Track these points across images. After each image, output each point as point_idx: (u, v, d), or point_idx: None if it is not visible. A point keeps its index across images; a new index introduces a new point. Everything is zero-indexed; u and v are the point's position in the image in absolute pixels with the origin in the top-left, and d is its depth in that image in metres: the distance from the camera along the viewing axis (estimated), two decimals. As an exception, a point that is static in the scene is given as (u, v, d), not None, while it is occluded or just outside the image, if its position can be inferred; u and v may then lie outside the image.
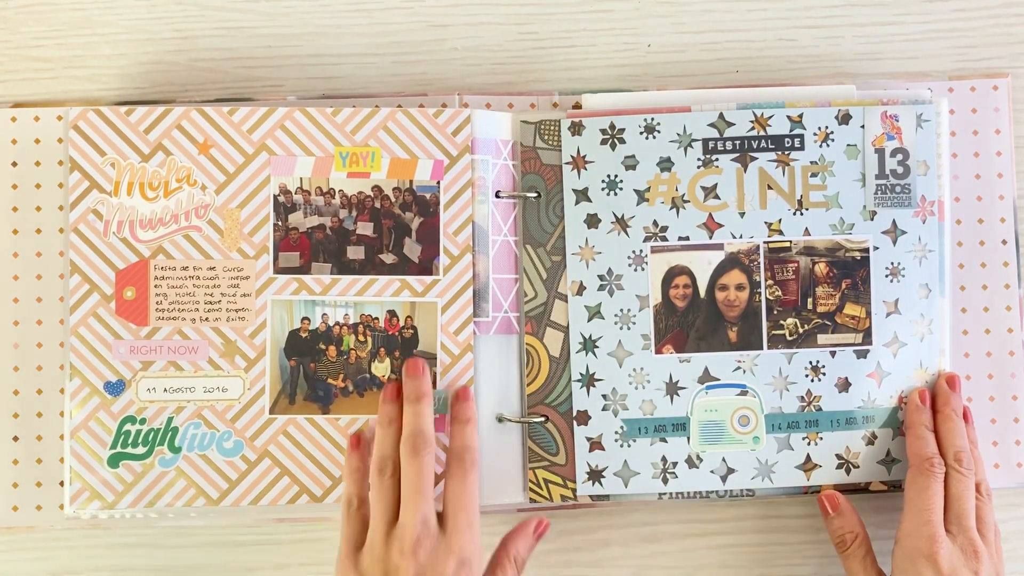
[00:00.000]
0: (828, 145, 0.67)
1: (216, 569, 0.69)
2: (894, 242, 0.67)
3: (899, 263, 0.67)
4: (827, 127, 0.67)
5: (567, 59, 0.72)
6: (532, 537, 0.64)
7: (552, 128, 0.68)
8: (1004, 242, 0.70)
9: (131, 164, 0.66)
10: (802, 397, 0.67)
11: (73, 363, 0.65)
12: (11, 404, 0.68)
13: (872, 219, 0.67)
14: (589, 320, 0.67)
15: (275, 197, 0.66)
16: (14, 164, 0.69)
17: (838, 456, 0.67)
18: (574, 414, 0.67)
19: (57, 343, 0.68)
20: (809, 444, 0.67)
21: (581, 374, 0.67)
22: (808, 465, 0.67)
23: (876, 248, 0.67)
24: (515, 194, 0.68)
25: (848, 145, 0.67)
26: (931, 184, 0.67)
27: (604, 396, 0.67)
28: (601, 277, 0.67)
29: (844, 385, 0.67)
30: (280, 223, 0.66)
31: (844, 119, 0.67)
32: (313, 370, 0.66)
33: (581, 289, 0.67)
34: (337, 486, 0.65)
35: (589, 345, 0.67)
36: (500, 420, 0.67)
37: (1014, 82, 0.71)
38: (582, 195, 0.67)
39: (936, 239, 0.67)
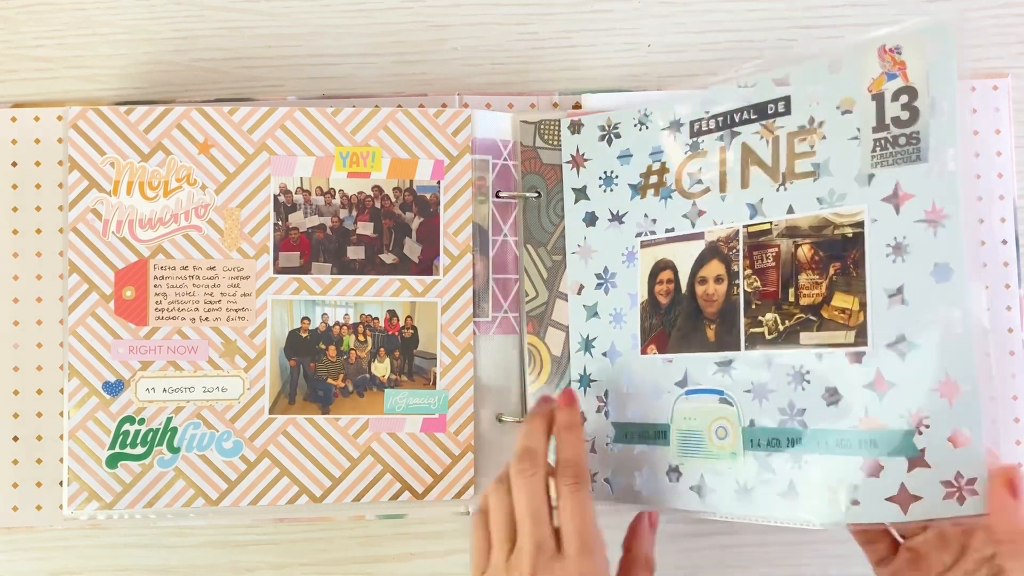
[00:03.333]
0: (818, 103, 0.57)
1: (216, 569, 0.69)
2: (897, 210, 0.53)
3: (904, 237, 0.53)
4: (816, 81, 0.57)
5: (567, 59, 0.72)
6: (651, 532, 0.60)
7: (552, 128, 0.68)
8: (1004, 242, 0.70)
9: (131, 163, 0.66)
10: (783, 409, 0.56)
11: (72, 363, 0.65)
12: (11, 404, 0.68)
13: (869, 183, 0.54)
14: (587, 320, 0.66)
15: (275, 197, 0.66)
16: (14, 164, 0.69)
17: (830, 488, 0.54)
18: None
19: (57, 343, 0.68)
20: (793, 468, 0.56)
21: (580, 375, 0.66)
22: (792, 495, 0.56)
23: (874, 220, 0.54)
24: (515, 194, 0.68)
25: (842, 98, 0.56)
26: (948, 129, 0.52)
27: (598, 398, 0.65)
28: (598, 276, 0.66)
29: (833, 397, 0.55)
30: (280, 223, 0.66)
31: (835, 66, 0.56)
32: (313, 370, 0.66)
33: (580, 288, 0.67)
34: (337, 486, 0.65)
35: (587, 345, 0.66)
36: (500, 420, 0.67)
37: (1014, 82, 0.71)
38: (581, 193, 0.67)
39: (954, 202, 0.52)
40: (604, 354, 0.66)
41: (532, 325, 0.67)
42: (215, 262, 0.66)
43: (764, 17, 0.73)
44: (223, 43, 0.72)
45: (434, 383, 0.66)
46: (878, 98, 0.55)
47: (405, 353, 0.66)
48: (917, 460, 0.52)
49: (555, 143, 0.68)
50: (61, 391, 0.67)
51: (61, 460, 0.67)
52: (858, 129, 0.55)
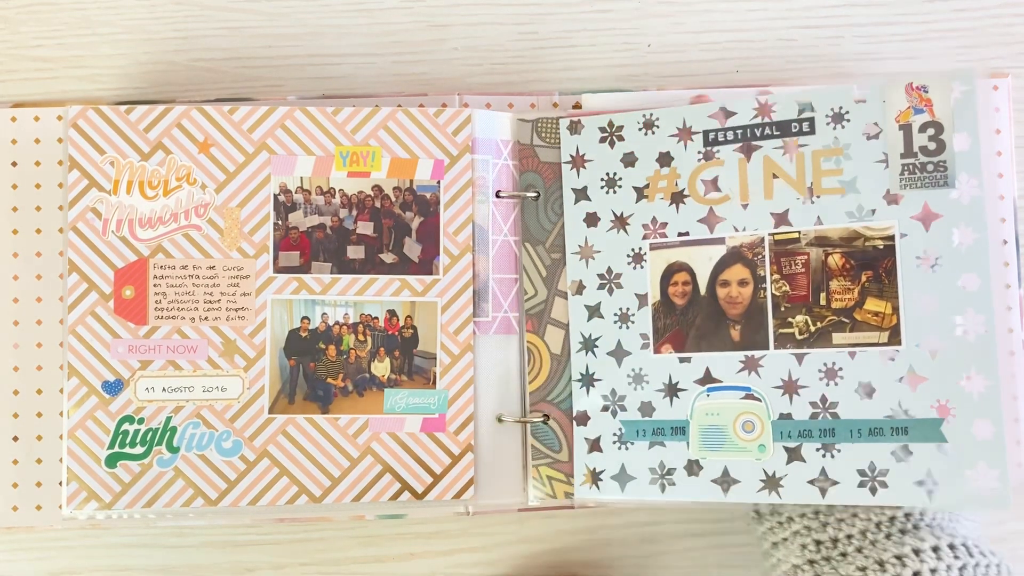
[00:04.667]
0: (843, 127, 0.61)
1: (216, 569, 0.69)
2: (926, 227, 0.59)
3: (933, 251, 0.59)
4: (841, 107, 0.62)
5: (567, 59, 0.72)
6: None
7: (549, 125, 0.68)
8: (1004, 242, 0.70)
9: (131, 163, 0.66)
10: (815, 403, 0.61)
11: (71, 362, 0.65)
12: (11, 404, 0.68)
13: (898, 203, 0.60)
14: (589, 319, 0.66)
15: (275, 196, 0.66)
16: (14, 164, 0.69)
17: (860, 472, 0.59)
18: (574, 414, 0.66)
19: (57, 343, 0.68)
20: (825, 456, 0.60)
21: (581, 374, 0.66)
22: (823, 481, 0.60)
23: (904, 235, 0.60)
24: (515, 194, 0.68)
25: (867, 124, 0.61)
26: (973, 161, 0.59)
27: (604, 396, 0.66)
28: (601, 276, 0.66)
29: (867, 390, 0.60)
30: (280, 222, 0.66)
31: (860, 96, 0.61)
32: (313, 370, 0.66)
33: (581, 288, 0.67)
34: (336, 486, 0.65)
35: (589, 344, 0.66)
36: (500, 420, 0.67)
37: (1014, 82, 0.71)
38: (581, 194, 0.67)
39: (981, 222, 0.59)
40: (609, 353, 0.66)
41: (531, 323, 0.67)
42: (215, 261, 0.66)
43: (764, 17, 0.73)
44: (223, 43, 0.72)
45: (434, 383, 0.66)
46: (905, 128, 0.60)
47: (405, 353, 0.66)
48: (943, 447, 0.58)
49: (552, 141, 0.68)
50: (61, 391, 0.67)
51: (61, 460, 0.67)
52: (885, 154, 0.61)
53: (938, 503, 0.58)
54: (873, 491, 0.59)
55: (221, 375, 0.65)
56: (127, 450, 0.65)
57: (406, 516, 0.68)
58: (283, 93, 0.71)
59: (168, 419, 0.65)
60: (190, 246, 0.66)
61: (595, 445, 0.65)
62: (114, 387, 0.65)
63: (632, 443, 0.65)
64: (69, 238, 0.65)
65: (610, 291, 0.66)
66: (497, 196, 0.68)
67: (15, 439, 0.68)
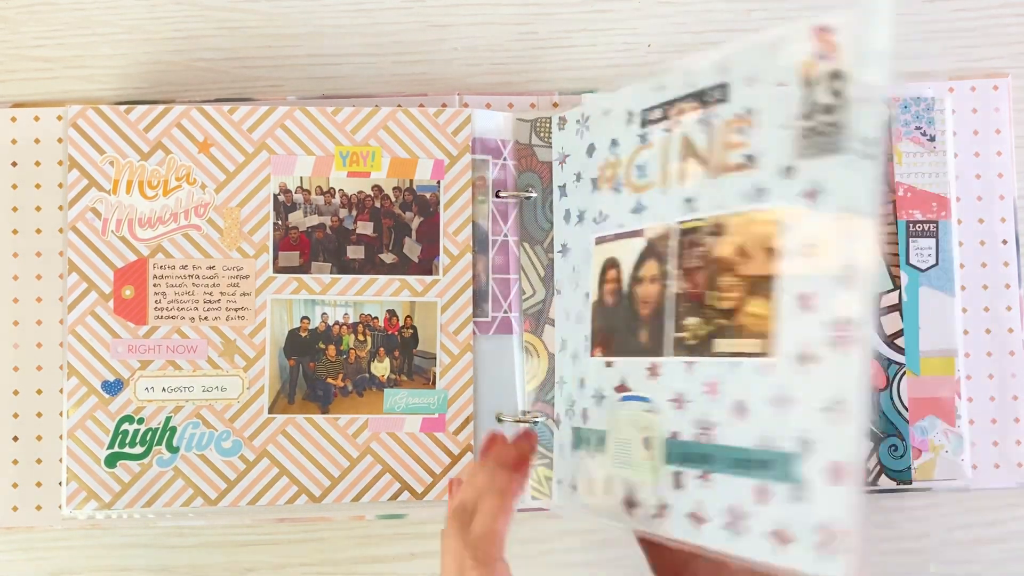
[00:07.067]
0: (753, 90, 0.49)
1: (216, 569, 0.69)
2: (813, 205, 0.45)
3: (818, 236, 0.45)
4: (754, 66, 0.49)
5: (567, 59, 0.72)
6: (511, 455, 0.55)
7: (548, 125, 0.68)
8: (1004, 242, 0.70)
9: (130, 162, 0.66)
10: (699, 421, 0.50)
11: (71, 362, 0.65)
12: (11, 404, 0.68)
13: (790, 176, 0.46)
14: (565, 320, 0.64)
15: (275, 196, 0.66)
16: (14, 164, 0.69)
17: (729, 511, 0.47)
18: (555, 416, 0.65)
19: (57, 343, 0.68)
20: (702, 487, 0.49)
21: (560, 376, 0.65)
22: (697, 517, 0.49)
23: (789, 218, 0.47)
24: (515, 193, 0.68)
25: (778, 84, 0.47)
26: (873, 120, 0.44)
27: (566, 399, 0.63)
28: (570, 274, 0.64)
29: (741, 411, 0.48)
30: (280, 222, 0.66)
31: (774, 49, 0.48)
32: (312, 369, 0.66)
33: (561, 287, 0.65)
34: (336, 485, 0.65)
35: (563, 346, 0.64)
36: (500, 420, 0.67)
37: (1014, 82, 0.71)
38: (562, 191, 0.66)
39: (871, 196, 0.43)
40: (571, 356, 0.62)
41: (529, 323, 0.67)
42: (214, 261, 0.66)
43: (764, 17, 0.73)
44: (223, 43, 0.72)
45: (434, 383, 0.66)
46: (808, 83, 0.46)
47: (405, 353, 0.66)
48: (798, 490, 0.44)
49: (550, 140, 0.68)
50: (61, 391, 0.67)
51: (61, 460, 0.67)
52: (788, 117, 0.47)
53: (781, 563, 0.44)
54: (734, 536, 0.47)
55: (221, 375, 0.65)
56: (127, 450, 0.65)
57: (406, 516, 0.68)
58: (283, 93, 0.71)
59: (168, 419, 0.65)
60: (190, 246, 0.66)
61: (560, 450, 0.63)
62: (114, 387, 0.65)
63: (575, 450, 0.60)
64: (69, 238, 0.65)
65: (574, 289, 0.63)
66: (497, 196, 0.68)
67: (15, 439, 0.68)
